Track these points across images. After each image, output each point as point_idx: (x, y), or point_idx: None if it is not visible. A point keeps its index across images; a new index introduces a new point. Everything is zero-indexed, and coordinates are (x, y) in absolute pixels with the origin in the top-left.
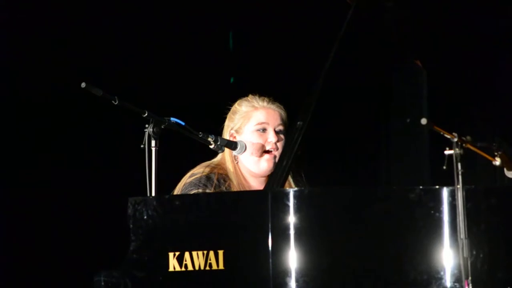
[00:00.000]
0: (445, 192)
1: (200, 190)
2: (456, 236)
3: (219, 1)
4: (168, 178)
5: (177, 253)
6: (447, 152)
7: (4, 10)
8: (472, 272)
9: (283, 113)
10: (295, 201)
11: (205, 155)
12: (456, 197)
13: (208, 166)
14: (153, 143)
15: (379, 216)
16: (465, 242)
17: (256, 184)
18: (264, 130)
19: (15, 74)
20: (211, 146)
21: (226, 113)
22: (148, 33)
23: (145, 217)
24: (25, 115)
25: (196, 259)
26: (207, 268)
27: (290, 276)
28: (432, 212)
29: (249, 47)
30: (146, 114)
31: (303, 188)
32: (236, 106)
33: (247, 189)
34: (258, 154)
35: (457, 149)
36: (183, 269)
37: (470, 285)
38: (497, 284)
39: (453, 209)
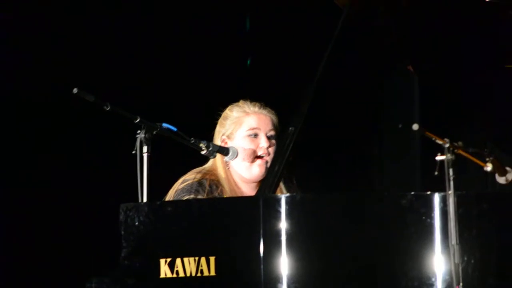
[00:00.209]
0: (436, 198)
1: (192, 196)
2: (448, 242)
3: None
4: (160, 184)
5: (168, 260)
6: (438, 157)
7: (4, 10)
8: (463, 278)
9: (274, 118)
10: (287, 207)
11: (197, 161)
12: (447, 202)
13: (199, 172)
14: (144, 149)
15: (370, 222)
16: (456, 248)
17: (248, 190)
18: (255, 135)
19: (15, 74)
20: (203, 152)
21: (217, 119)
22: (148, 33)
23: (137, 223)
24: (25, 115)
25: (188, 266)
26: (199, 274)
27: (282, 282)
28: (424, 218)
29: (240, 53)
30: (138, 120)
31: (295, 194)
32: (227, 111)
33: (239, 195)
34: (250, 159)
35: (448, 155)
36: (174, 275)
37: None
38: None
39: (445, 215)
